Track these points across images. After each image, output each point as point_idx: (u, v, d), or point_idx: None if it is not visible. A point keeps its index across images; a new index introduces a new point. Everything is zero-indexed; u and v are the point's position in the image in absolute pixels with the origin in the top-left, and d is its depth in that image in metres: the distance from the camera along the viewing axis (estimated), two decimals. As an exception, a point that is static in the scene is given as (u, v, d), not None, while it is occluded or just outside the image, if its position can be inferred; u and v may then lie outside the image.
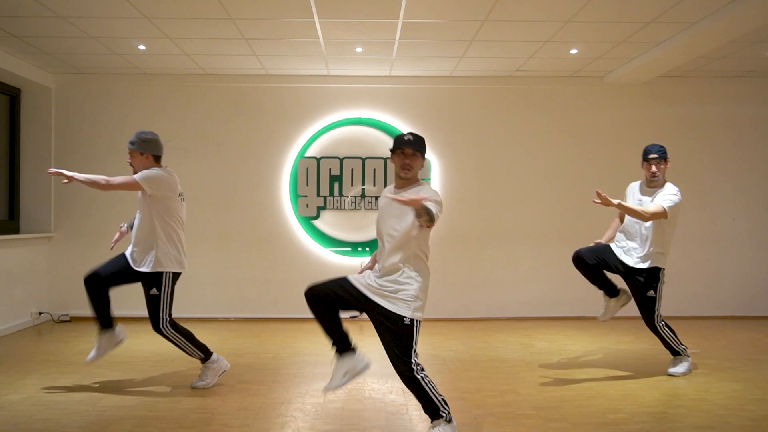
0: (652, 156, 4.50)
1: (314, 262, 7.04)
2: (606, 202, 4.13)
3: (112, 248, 4.46)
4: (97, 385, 4.32)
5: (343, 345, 3.35)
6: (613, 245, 4.68)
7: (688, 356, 4.69)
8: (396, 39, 5.71)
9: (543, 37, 5.64)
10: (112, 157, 6.67)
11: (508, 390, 4.24)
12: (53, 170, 3.97)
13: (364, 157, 7.07)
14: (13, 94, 6.73)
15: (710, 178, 7.23)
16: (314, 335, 6.08)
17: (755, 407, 3.85)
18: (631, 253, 4.55)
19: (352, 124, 7.11)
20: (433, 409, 3.18)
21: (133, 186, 4.03)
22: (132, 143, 4.15)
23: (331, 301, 3.28)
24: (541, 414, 3.73)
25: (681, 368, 4.63)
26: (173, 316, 4.20)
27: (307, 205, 7.06)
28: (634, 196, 4.64)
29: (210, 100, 7.05)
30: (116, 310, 4.33)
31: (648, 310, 4.53)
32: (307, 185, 7.06)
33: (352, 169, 7.07)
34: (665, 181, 4.54)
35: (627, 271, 4.56)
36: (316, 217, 7.08)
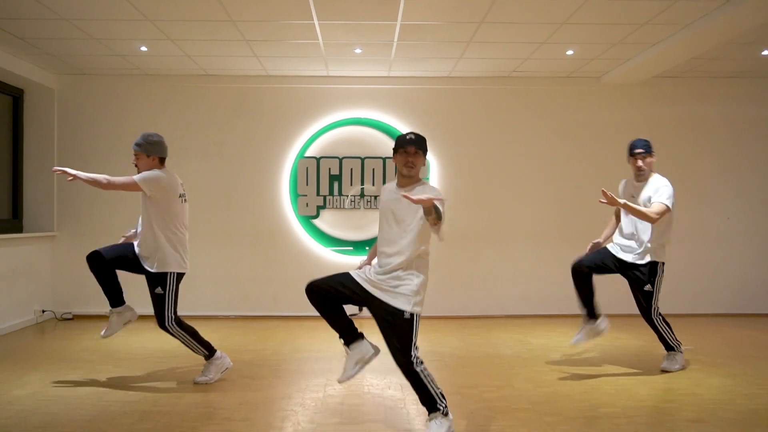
0: (637, 151, 4.57)
1: (314, 260, 7.12)
2: (612, 202, 4.22)
3: None
4: (101, 381, 4.41)
5: (349, 335, 3.42)
6: (609, 245, 4.76)
7: (681, 352, 4.77)
8: (394, 40, 5.79)
9: (539, 39, 5.72)
10: (113, 157, 6.76)
11: (504, 385, 4.33)
12: (58, 168, 4.06)
13: (363, 156, 7.15)
14: (17, 95, 6.81)
15: (707, 178, 7.31)
16: (314, 332, 6.17)
17: (745, 401, 3.94)
18: (628, 249, 4.61)
19: (351, 125, 7.19)
20: (430, 401, 3.27)
21: (132, 187, 4.11)
22: (138, 145, 4.22)
23: (331, 297, 3.36)
24: (536, 408, 3.81)
25: (674, 364, 4.71)
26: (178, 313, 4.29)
27: (307, 204, 7.14)
28: (626, 192, 4.72)
29: (211, 100, 7.13)
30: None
31: (645, 304, 4.59)
32: (307, 185, 7.14)
33: (351, 169, 7.15)
34: (651, 173, 4.61)
35: (626, 268, 4.62)
36: (316, 216, 7.16)
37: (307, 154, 7.16)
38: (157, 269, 4.17)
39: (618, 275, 4.71)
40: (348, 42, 5.86)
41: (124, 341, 5.58)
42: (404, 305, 3.22)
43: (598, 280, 4.72)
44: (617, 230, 4.78)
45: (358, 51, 6.15)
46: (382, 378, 4.43)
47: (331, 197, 7.15)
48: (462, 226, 7.11)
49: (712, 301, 7.28)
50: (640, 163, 4.56)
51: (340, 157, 7.15)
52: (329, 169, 7.15)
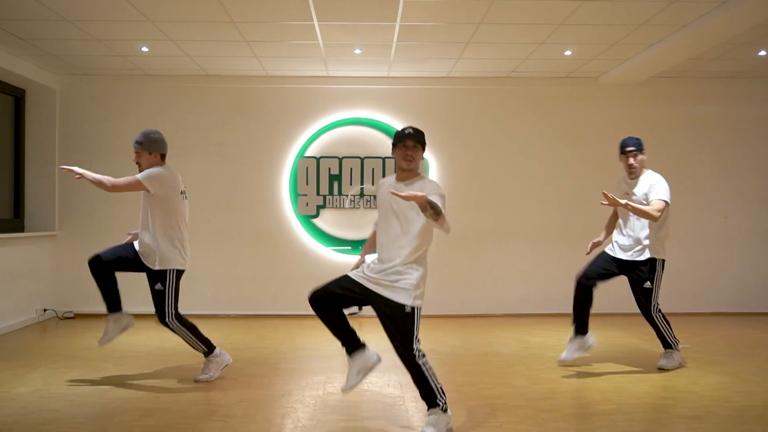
0: (629, 149, 4.62)
1: (314, 260, 7.16)
2: (614, 203, 4.26)
3: None
4: (102, 379, 4.45)
5: (352, 344, 3.46)
6: (607, 248, 4.79)
7: (678, 350, 4.81)
8: (394, 41, 5.83)
9: (537, 39, 5.76)
10: (115, 157, 6.79)
11: (502, 383, 4.37)
12: (66, 167, 4.11)
13: (362, 156, 7.19)
14: (18, 95, 6.85)
15: (706, 177, 7.35)
16: (313, 331, 6.21)
17: (740, 398, 3.98)
18: (626, 247, 4.65)
19: (351, 125, 7.23)
20: (430, 396, 3.31)
21: (136, 186, 4.15)
22: (140, 143, 4.27)
23: (334, 300, 3.39)
24: (533, 405, 3.85)
25: (671, 362, 4.75)
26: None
27: (307, 203, 7.19)
28: (620, 190, 4.76)
29: (211, 100, 7.17)
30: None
31: (645, 301, 4.63)
32: (307, 184, 7.18)
33: (351, 169, 7.19)
34: (644, 170, 4.65)
35: (626, 267, 4.66)
36: (316, 216, 7.21)
37: (307, 153, 7.21)
38: (158, 266, 4.21)
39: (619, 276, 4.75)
40: (347, 43, 5.90)
41: (124, 340, 5.59)
42: (405, 299, 3.26)
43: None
44: (615, 229, 4.82)
45: (357, 51, 6.19)
46: (381, 376, 4.47)
47: (330, 197, 7.19)
48: (461, 226, 7.10)
49: (711, 300, 7.32)
50: (631, 161, 4.61)
51: (340, 156, 7.19)
52: (329, 168, 7.19)
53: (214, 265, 7.10)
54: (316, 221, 7.21)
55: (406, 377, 4.22)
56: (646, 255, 4.58)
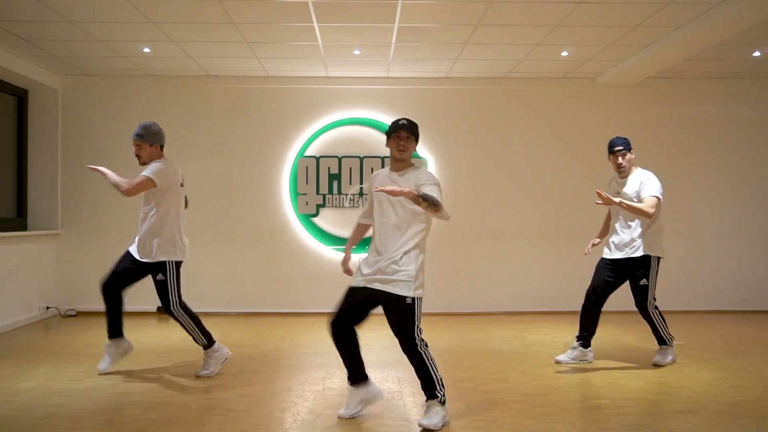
0: (617, 148, 4.69)
1: (314, 258, 7.23)
2: (608, 202, 4.34)
3: None
4: (106, 375, 4.51)
5: (359, 376, 3.57)
6: (604, 253, 4.85)
7: (672, 346, 4.88)
8: (392, 42, 5.90)
9: (534, 41, 5.83)
10: (116, 156, 6.84)
11: (499, 379, 4.43)
12: (92, 166, 4.24)
13: (362, 156, 7.26)
14: (21, 95, 6.92)
15: (703, 176, 7.42)
16: (313, 328, 6.28)
17: (733, 393, 4.05)
18: (621, 246, 4.71)
19: (350, 124, 7.30)
20: (430, 386, 3.38)
21: (147, 184, 4.24)
22: (140, 136, 4.36)
23: (352, 315, 3.48)
24: (529, 400, 3.92)
25: (666, 358, 4.82)
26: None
27: (307, 202, 7.25)
28: (612, 189, 4.83)
29: (212, 101, 7.24)
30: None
31: (641, 298, 4.70)
32: (307, 183, 7.25)
33: (350, 168, 7.26)
34: (633, 169, 4.72)
35: (622, 267, 4.71)
36: (316, 215, 7.27)
37: (307, 153, 7.27)
38: (156, 258, 4.30)
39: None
40: (347, 44, 5.97)
41: (126, 337, 5.67)
42: (405, 291, 3.33)
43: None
44: (610, 229, 4.89)
45: (356, 52, 6.25)
46: (380, 371, 4.53)
47: (330, 196, 7.26)
48: (460, 225, 7.20)
49: (710, 299, 7.39)
50: (620, 160, 4.68)
51: (340, 156, 7.26)
52: (329, 168, 7.26)
53: (215, 263, 7.17)
54: (316, 220, 7.28)
55: (404, 373, 4.32)
56: (641, 252, 4.65)
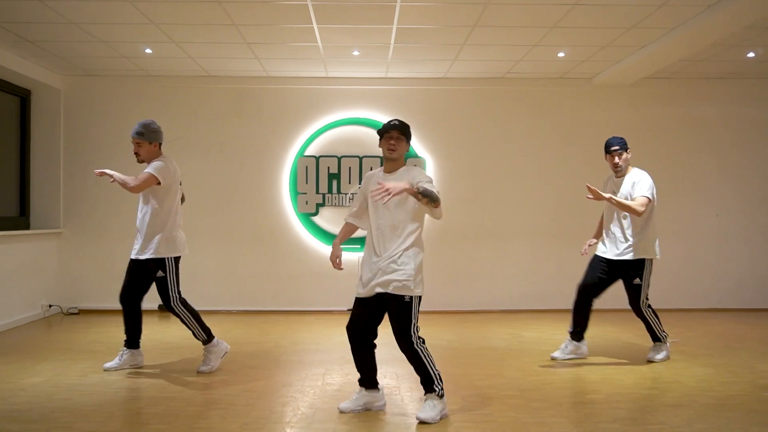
0: (613, 148, 4.76)
1: (313, 257, 7.31)
2: (598, 197, 4.41)
3: None
4: (109, 372, 4.58)
5: (369, 382, 3.67)
6: (598, 251, 4.92)
7: (666, 343, 4.96)
8: (391, 43, 5.97)
9: (531, 42, 5.91)
10: (118, 156, 6.91)
11: (495, 374, 4.52)
12: (99, 171, 4.33)
13: (361, 155, 7.34)
14: (24, 96, 6.99)
15: (700, 175, 7.48)
16: (313, 326, 6.37)
17: (723, 388, 4.13)
18: (614, 247, 4.79)
19: (349, 124, 7.38)
20: (428, 381, 3.48)
21: (151, 181, 4.34)
22: (140, 134, 4.44)
23: (367, 320, 3.56)
24: (524, 395, 4.00)
25: (660, 355, 4.90)
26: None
27: (307, 202, 7.33)
28: (608, 188, 4.90)
29: (213, 101, 7.31)
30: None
31: (635, 296, 4.78)
32: (307, 183, 7.32)
33: (349, 168, 7.34)
34: (629, 169, 4.80)
35: (615, 266, 4.78)
36: (315, 214, 7.35)
37: (307, 153, 7.35)
38: (155, 255, 4.39)
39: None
40: (346, 44, 6.04)
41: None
42: (404, 291, 3.42)
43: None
44: (604, 229, 4.95)
45: (356, 53, 6.33)
46: (379, 367, 4.59)
47: (330, 195, 7.34)
48: (459, 225, 7.29)
49: (710, 297, 7.46)
50: (616, 159, 4.75)
51: (339, 156, 7.34)
52: (328, 167, 7.34)
53: (215, 262, 7.24)
54: (316, 219, 7.36)
55: (402, 369, 4.40)
56: (634, 255, 4.71)
